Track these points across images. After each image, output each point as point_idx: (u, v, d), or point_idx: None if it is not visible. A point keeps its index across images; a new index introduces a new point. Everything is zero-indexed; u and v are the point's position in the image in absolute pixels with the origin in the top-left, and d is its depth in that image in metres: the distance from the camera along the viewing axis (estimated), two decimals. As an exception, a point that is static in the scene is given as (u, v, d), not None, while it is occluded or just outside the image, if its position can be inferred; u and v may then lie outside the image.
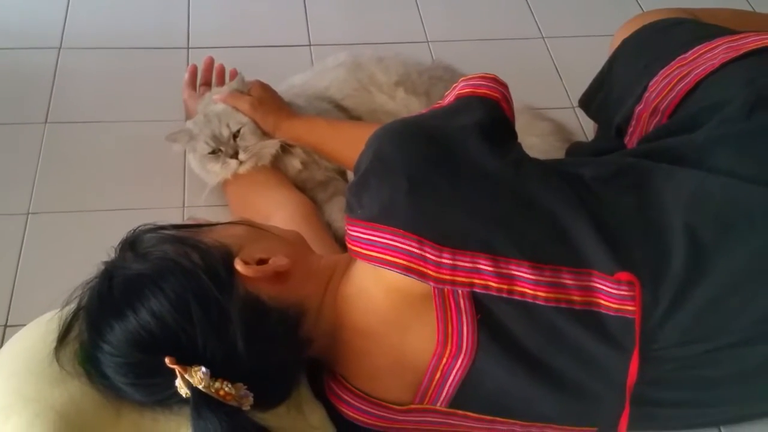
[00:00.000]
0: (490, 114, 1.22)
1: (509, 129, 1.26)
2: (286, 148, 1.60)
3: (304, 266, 1.14)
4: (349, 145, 1.35)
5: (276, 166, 1.61)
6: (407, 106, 1.68)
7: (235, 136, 1.55)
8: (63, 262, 1.49)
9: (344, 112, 1.70)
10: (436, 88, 1.72)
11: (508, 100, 1.27)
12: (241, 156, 1.55)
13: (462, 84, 1.28)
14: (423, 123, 1.23)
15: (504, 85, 1.28)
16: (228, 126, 1.55)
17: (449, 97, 1.28)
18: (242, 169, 1.57)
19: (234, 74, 1.72)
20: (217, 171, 1.58)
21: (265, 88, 1.61)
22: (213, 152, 1.56)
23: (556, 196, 1.13)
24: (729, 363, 1.07)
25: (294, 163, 1.61)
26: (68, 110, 1.85)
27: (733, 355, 1.07)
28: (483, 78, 1.27)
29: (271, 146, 1.57)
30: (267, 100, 1.59)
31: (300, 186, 1.62)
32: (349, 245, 1.15)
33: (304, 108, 1.64)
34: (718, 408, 1.13)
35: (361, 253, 1.11)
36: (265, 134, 1.58)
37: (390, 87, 1.71)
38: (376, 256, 1.09)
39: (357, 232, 1.12)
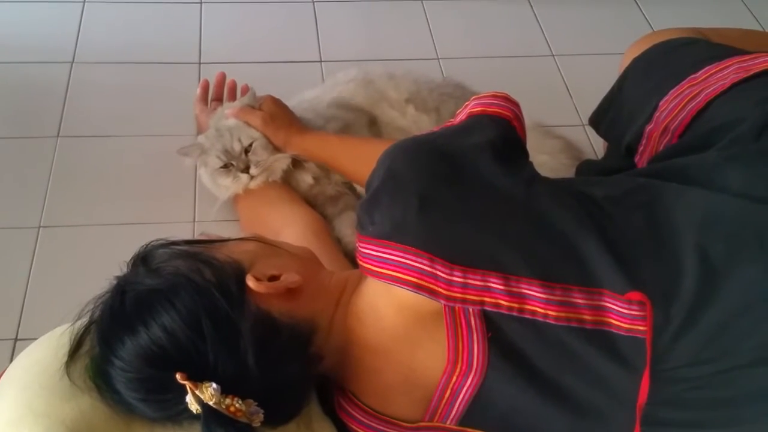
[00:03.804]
0: (502, 133, 1.22)
1: (521, 147, 1.27)
2: (297, 163, 1.61)
3: (315, 283, 1.15)
4: (360, 161, 1.38)
5: (287, 181, 1.62)
6: (417, 122, 1.69)
7: (246, 150, 1.56)
8: (74, 275, 1.51)
9: (352, 112, 1.70)
10: (446, 104, 1.73)
11: (519, 119, 1.28)
12: (253, 171, 1.56)
13: (473, 102, 1.28)
14: (435, 141, 1.23)
15: (515, 104, 1.28)
16: (240, 140, 1.56)
17: (461, 116, 1.29)
18: (253, 184, 1.57)
19: (246, 90, 1.73)
20: (228, 185, 1.59)
21: (276, 103, 1.62)
22: (224, 166, 1.57)
23: (567, 215, 1.13)
24: (740, 383, 1.06)
25: (305, 178, 1.61)
26: (80, 124, 1.86)
27: (744, 376, 1.06)
28: (494, 97, 1.28)
29: (282, 161, 1.58)
30: (278, 116, 1.60)
31: (311, 201, 1.63)
32: (360, 262, 1.15)
33: (313, 121, 1.65)
34: (729, 429, 1.12)
35: (372, 270, 1.11)
36: (277, 149, 1.59)
37: (400, 104, 1.72)
38: (387, 274, 1.09)
39: (368, 249, 1.12)
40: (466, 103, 1.30)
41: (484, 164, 1.16)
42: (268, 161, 1.57)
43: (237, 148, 1.56)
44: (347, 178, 1.59)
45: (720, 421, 1.10)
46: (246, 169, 1.56)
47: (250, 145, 1.56)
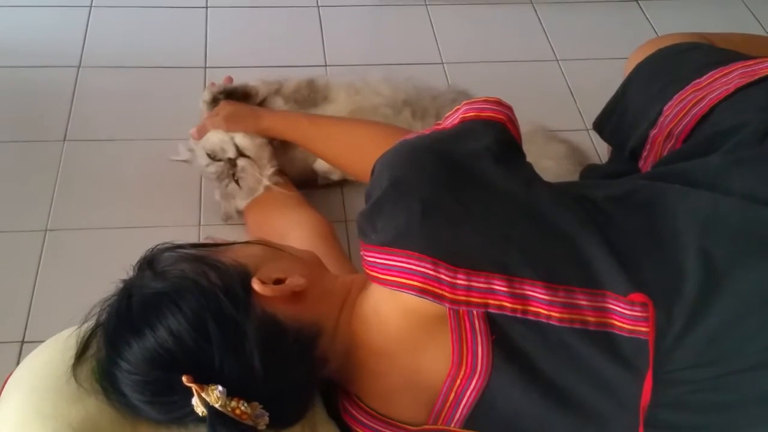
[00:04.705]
0: (498, 136, 1.23)
1: (517, 149, 1.27)
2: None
3: (320, 286, 1.15)
4: (329, 144, 1.50)
5: (287, 150, 1.65)
6: (412, 126, 1.68)
7: (212, 157, 1.60)
8: (80, 278, 1.51)
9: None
10: (446, 111, 1.71)
11: (513, 121, 1.28)
12: (230, 155, 1.59)
13: (465, 107, 1.28)
14: (432, 147, 1.23)
15: (508, 107, 1.28)
16: (206, 165, 1.61)
17: (453, 120, 1.28)
18: (251, 151, 1.59)
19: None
20: (253, 182, 1.60)
21: (230, 102, 1.65)
22: (234, 180, 1.60)
23: (568, 216, 1.13)
24: (744, 387, 1.07)
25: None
26: (87, 128, 1.87)
27: (747, 379, 1.06)
28: (486, 101, 1.28)
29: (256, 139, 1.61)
30: (238, 111, 1.62)
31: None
32: (366, 270, 1.15)
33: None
34: (731, 432, 1.13)
35: (377, 277, 1.12)
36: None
37: (395, 102, 1.71)
38: (392, 280, 1.09)
39: (372, 257, 1.13)
40: (457, 107, 1.29)
41: (484, 167, 1.16)
42: (223, 137, 1.59)
43: (212, 169, 1.60)
44: (319, 155, 1.61)
45: (722, 425, 1.10)
46: (230, 161, 1.58)
47: (208, 154, 1.60)
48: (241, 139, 1.58)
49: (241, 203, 1.62)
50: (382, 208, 1.15)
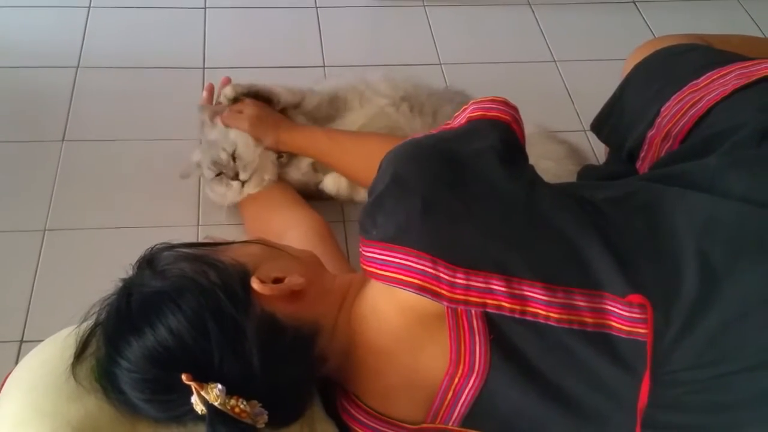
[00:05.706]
0: (502, 137, 1.23)
1: (521, 150, 1.27)
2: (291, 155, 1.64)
3: (318, 285, 1.15)
4: (348, 158, 1.51)
5: (287, 170, 1.65)
6: (410, 122, 1.69)
7: (234, 158, 1.58)
8: (78, 278, 1.51)
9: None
10: (443, 108, 1.72)
11: (518, 122, 1.28)
12: (242, 176, 1.58)
13: (472, 107, 1.29)
14: (437, 145, 1.24)
15: (514, 108, 1.29)
16: (224, 149, 1.58)
17: (460, 119, 1.29)
18: (248, 189, 1.60)
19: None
20: (224, 193, 1.61)
21: (257, 104, 1.64)
22: (218, 175, 1.60)
23: (569, 218, 1.14)
24: (741, 388, 1.07)
25: (304, 162, 1.65)
26: (85, 128, 1.87)
27: (745, 380, 1.06)
28: (493, 101, 1.29)
29: (269, 155, 1.61)
30: (264, 116, 1.62)
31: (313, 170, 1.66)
32: (363, 266, 1.16)
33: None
34: (729, 433, 1.13)
35: (375, 273, 1.12)
36: (268, 149, 1.62)
37: (395, 100, 1.72)
38: (391, 276, 1.10)
39: (372, 253, 1.13)
40: (465, 107, 1.30)
41: (487, 168, 1.17)
42: (255, 162, 1.59)
43: (224, 156, 1.58)
44: (336, 170, 1.61)
45: (721, 425, 1.10)
46: (236, 176, 1.58)
47: (235, 151, 1.58)
48: (243, 153, 1.59)
49: (207, 189, 1.66)
50: (384, 203, 1.15)
